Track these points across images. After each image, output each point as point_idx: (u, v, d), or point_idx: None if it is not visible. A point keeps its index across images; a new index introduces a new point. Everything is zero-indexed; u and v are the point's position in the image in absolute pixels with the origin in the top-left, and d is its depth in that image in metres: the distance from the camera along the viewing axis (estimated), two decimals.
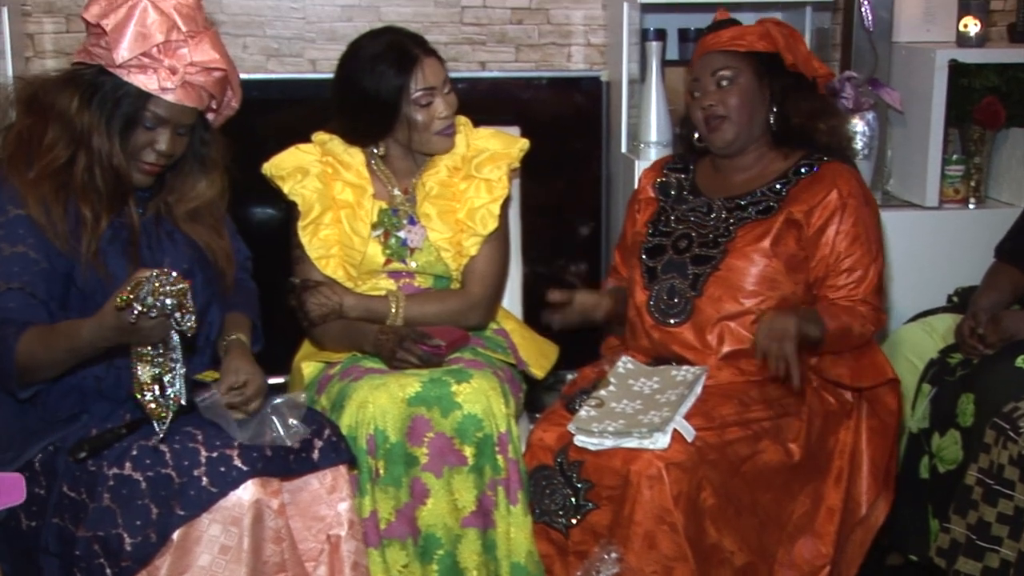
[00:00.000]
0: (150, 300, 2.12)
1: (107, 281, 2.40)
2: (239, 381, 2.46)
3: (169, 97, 2.40)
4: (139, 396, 2.27)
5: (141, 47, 2.35)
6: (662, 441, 2.57)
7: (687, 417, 2.64)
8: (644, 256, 2.93)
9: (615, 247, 3.15)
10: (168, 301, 2.13)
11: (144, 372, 2.26)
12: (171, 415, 2.29)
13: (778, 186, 2.86)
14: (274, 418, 2.44)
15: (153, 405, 2.27)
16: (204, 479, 2.30)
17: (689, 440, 2.60)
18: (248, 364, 2.52)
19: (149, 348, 2.24)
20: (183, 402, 2.31)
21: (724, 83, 2.84)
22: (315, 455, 2.47)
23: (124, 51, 2.35)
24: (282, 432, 2.44)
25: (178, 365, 2.28)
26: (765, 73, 2.85)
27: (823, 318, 2.75)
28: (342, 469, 2.53)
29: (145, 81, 2.39)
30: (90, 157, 2.41)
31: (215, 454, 2.34)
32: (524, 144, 3.05)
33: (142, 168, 2.47)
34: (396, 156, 3.01)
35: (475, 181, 2.98)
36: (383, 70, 2.88)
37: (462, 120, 3.04)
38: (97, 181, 2.42)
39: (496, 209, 2.97)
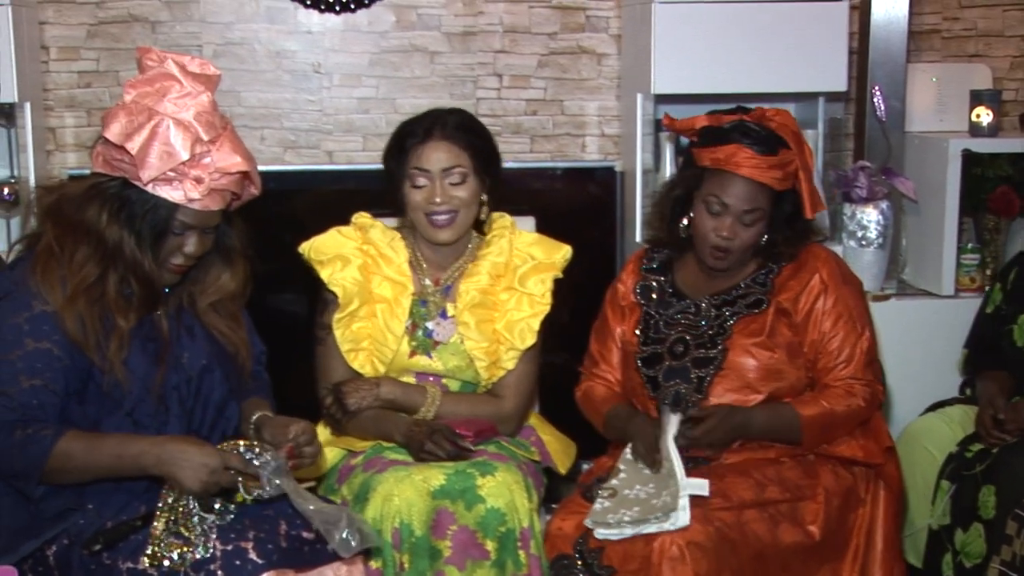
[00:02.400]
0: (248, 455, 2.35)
1: (125, 379, 2.40)
2: (300, 438, 2.45)
3: (196, 206, 2.40)
4: (149, 550, 2.31)
5: (167, 164, 2.33)
6: (682, 519, 2.56)
7: (694, 474, 2.66)
8: (641, 366, 2.90)
9: (592, 331, 3.08)
10: (272, 461, 2.34)
11: (159, 523, 2.32)
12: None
13: (761, 275, 2.87)
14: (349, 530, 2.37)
15: (154, 552, 2.31)
16: (219, 573, 2.28)
17: (706, 494, 2.60)
18: (294, 421, 2.49)
19: (176, 499, 2.33)
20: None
21: (747, 220, 2.80)
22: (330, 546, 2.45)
23: (151, 171, 2.33)
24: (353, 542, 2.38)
25: (201, 529, 2.33)
26: (775, 203, 2.83)
27: (796, 407, 2.76)
28: (358, 561, 2.49)
29: (172, 193, 2.37)
30: (122, 269, 2.40)
31: (230, 547, 2.31)
32: (567, 252, 2.98)
33: (171, 269, 2.47)
34: (422, 240, 2.97)
35: (517, 294, 2.94)
36: (399, 137, 2.91)
37: (507, 223, 3.00)
38: (130, 290, 2.42)
39: (536, 324, 2.92)
